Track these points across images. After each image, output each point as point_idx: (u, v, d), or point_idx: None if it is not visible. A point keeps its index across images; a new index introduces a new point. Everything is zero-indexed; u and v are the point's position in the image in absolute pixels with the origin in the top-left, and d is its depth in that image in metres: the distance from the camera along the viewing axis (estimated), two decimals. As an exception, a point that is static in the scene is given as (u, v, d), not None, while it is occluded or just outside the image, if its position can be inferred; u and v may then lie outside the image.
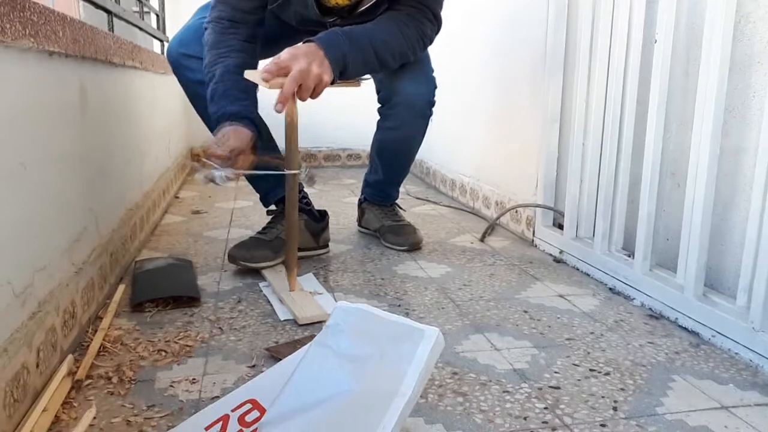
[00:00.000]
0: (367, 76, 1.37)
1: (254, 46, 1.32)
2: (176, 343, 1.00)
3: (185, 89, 1.40)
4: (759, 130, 0.96)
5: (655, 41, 1.14)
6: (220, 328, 1.07)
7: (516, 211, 1.76)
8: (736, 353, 0.98)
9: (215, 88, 1.23)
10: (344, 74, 1.19)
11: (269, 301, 1.19)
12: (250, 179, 1.50)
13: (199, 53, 1.33)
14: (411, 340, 0.65)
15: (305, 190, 1.57)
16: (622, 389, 0.87)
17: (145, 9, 2.43)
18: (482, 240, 1.70)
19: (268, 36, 1.39)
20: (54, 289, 0.90)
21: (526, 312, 1.16)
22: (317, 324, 1.09)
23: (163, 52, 2.69)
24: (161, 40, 2.69)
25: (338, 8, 1.32)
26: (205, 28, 1.30)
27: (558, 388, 0.87)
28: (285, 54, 1.11)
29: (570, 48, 1.49)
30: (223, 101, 1.21)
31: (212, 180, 1.10)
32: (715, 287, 1.12)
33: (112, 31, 1.70)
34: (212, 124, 1.23)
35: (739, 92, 1.06)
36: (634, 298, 1.22)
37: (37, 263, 0.85)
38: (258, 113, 1.27)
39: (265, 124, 1.35)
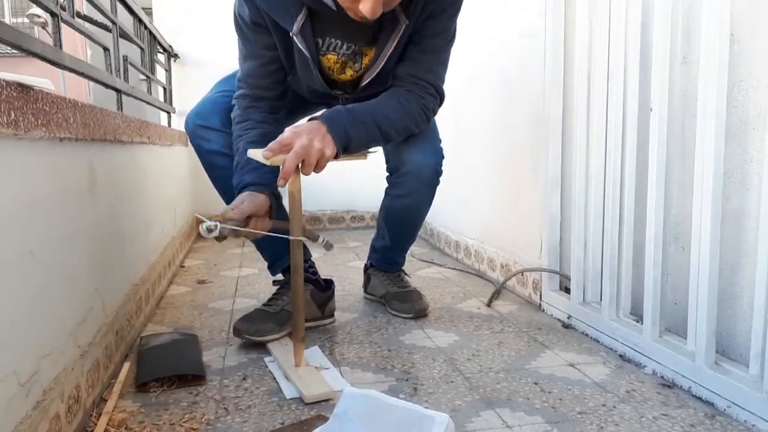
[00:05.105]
0: (374, 148, 1.39)
1: (279, 117, 1.39)
2: (181, 426, 0.99)
3: (201, 158, 1.45)
4: (759, 195, 0.97)
5: (651, 109, 1.17)
6: (225, 408, 1.05)
7: (522, 275, 1.75)
8: (753, 425, 0.95)
9: (238, 161, 1.29)
10: (349, 148, 1.22)
11: (275, 378, 1.18)
12: (259, 246, 1.51)
13: (215, 125, 1.40)
14: (421, 428, 0.64)
15: (312, 259, 1.57)
16: (639, 467, 0.84)
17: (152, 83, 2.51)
18: (489, 305, 1.68)
19: (288, 108, 1.44)
20: (59, 375, 0.89)
21: (536, 384, 1.14)
22: (324, 402, 1.07)
23: (170, 124, 2.75)
24: (168, 112, 2.76)
25: (341, 82, 1.36)
26: (233, 105, 1.37)
27: (573, 467, 0.85)
28: (287, 132, 1.14)
29: (567, 115, 1.52)
30: (242, 171, 1.27)
31: (213, 231, 1.11)
32: (726, 353, 1.10)
33: (121, 109, 1.74)
34: (235, 195, 1.26)
35: (736, 157, 1.07)
36: (645, 366, 1.20)
37: (43, 349, 0.85)
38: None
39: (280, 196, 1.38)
